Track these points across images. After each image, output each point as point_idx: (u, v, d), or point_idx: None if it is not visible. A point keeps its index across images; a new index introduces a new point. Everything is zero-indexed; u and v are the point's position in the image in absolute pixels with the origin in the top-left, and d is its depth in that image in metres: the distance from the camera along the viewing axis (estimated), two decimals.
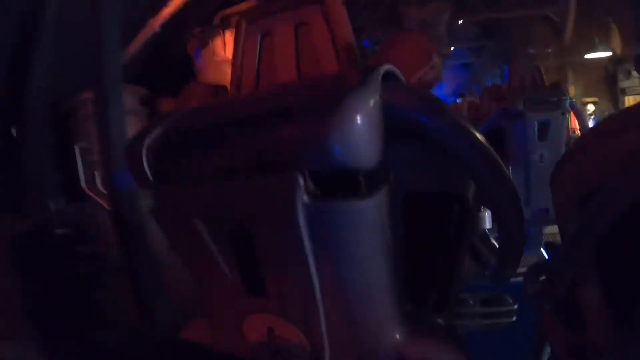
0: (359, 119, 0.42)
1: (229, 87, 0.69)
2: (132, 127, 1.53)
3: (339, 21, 0.62)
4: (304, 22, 0.63)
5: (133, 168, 0.57)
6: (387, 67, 0.49)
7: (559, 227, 0.89)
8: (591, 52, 5.56)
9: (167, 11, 2.42)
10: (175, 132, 0.57)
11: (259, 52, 0.68)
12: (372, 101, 0.44)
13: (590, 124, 4.43)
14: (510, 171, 2.23)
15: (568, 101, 2.21)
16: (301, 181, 0.45)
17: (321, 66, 0.62)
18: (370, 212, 0.49)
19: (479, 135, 0.51)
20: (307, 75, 0.64)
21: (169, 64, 2.99)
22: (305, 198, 0.45)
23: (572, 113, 2.34)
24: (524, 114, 2.10)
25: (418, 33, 0.70)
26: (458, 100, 6.48)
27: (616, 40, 5.29)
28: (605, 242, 0.60)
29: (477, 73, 7.80)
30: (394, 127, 0.49)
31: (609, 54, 5.33)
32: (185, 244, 0.59)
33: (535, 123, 2.14)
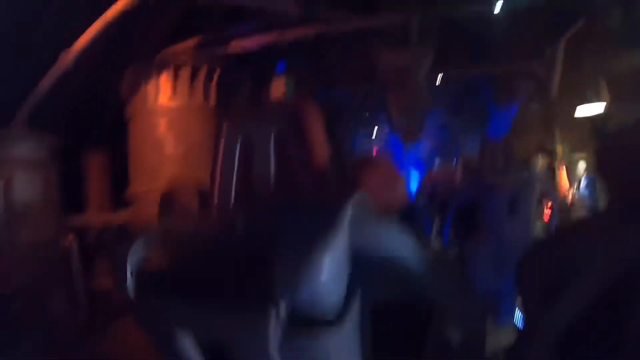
0: (325, 276, 0.46)
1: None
2: (31, 182, 1.30)
3: (315, 138, 0.67)
4: (283, 137, 0.68)
5: (118, 281, 0.60)
6: (358, 196, 0.53)
7: (523, 311, 0.93)
8: (581, 106, 5.47)
9: (82, 42, 1.94)
10: (159, 256, 0.60)
11: (238, 154, 0.71)
12: (338, 256, 0.48)
13: (583, 183, 4.50)
14: (481, 241, 2.32)
15: (539, 176, 2.32)
16: (274, 314, 0.49)
17: (295, 179, 0.66)
18: (337, 335, 0.52)
19: (442, 270, 0.55)
20: (282, 185, 0.66)
21: (96, 108, 2.51)
22: (277, 326, 0.49)
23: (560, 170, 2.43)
24: (495, 188, 2.19)
25: (387, 160, 0.75)
26: (434, 167, 6.66)
27: (605, 95, 5.33)
28: (567, 333, 0.64)
29: (455, 135, 8.07)
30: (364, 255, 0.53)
31: (600, 108, 5.23)
32: (165, 347, 0.61)
33: (507, 197, 2.22)
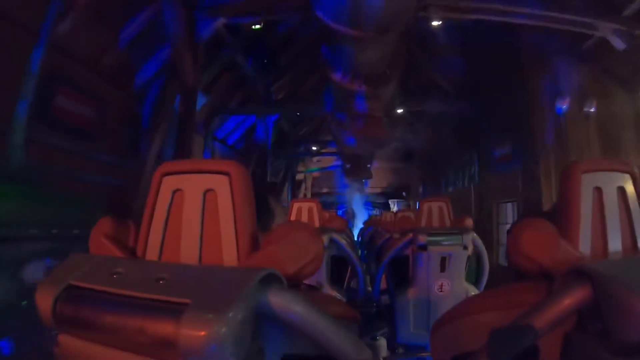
0: (231, 333, 0.49)
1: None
2: None
3: (241, 193, 0.69)
4: (212, 188, 0.70)
5: (41, 314, 0.60)
6: (265, 272, 0.56)
7: None
8: None
9: None
10: (79, 289, 0.60)
11: (170, 204, 0.72)
12: (246, 313, 0.51)
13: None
14: (411, 296, 2.36)
15: (470, 237, 2.42)
16: None
17: (221, 228, 0.68)
18: None
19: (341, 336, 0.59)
20: (208, 235, 0.69)
21: None
22: None
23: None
24: (427, 247, 2.26)
25: (306, 226, 0.78)
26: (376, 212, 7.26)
27: None
28: None
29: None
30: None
31: None
32: None
33: (438, 256, 2.31)
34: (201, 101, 6.61)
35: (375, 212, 14.21)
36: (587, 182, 0.75)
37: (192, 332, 0.48)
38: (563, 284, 0.63)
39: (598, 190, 0.76)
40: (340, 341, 0.60)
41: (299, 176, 15.66)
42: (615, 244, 0.75)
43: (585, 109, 5.03)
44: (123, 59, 4.76)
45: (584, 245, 0.74)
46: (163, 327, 0.51)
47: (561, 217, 0.77)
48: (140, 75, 5.27)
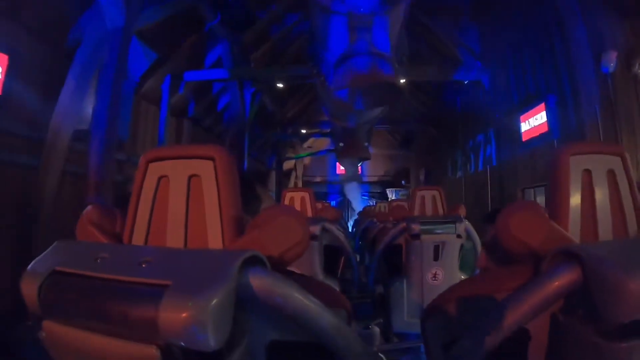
0: (212, 314, 0.52)
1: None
2: None
3: (226, 177, 0.75)
4: (197, 174, 0.75)
5: (26, 301, 0.63)
6: (248, 254, 0.60)
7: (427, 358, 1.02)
8: None
9: None
10: (63, 275, 0.63)
11: (155, 190, 0.77)
12: (226, 295, 0.54)
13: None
14: (405, 285, 2.49)
15: (463, 225, 2.54)
16: (157, 352, 0.54)
17: (206, 213, 0.74)
18: None
19: (326, 317, 0.62)
20: (193, 220, 0.75)
21: None
22: None
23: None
24: (421, 236, 2.38)
25: (291, 209, 0.82)
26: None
27: None
28: None
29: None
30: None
31: None
32: None
33: (431, 245, 2.42)
34: (151, 58, 5.96)
35: (372, 202, 14.24)
36: (576, 165, 0.80)
37: (172, 314, 0.51)
38: (551, 265, 0.66)
39: (587, 173, 0.80)
40: (329, 327, 0.62)
41: (289, 164, 15.57)
42: (605, 226, 0.79)
43: (636, 69, 4.44)
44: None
45: (574, 228, 0.78)
46: (144, 310, 0.54)
47: (551, 200, 0.82)
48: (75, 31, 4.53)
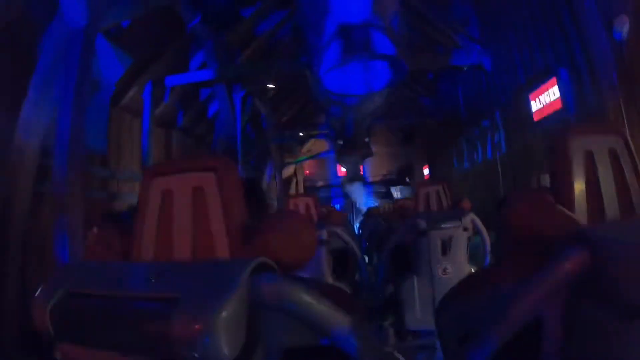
0: (224, 323, 0.54)
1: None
2: None
3: (229, 187, 0.78)
4: (200, 186, 0.80)
5: (37, 325, 0.65)
6: (256, 261, 0.63)
7: (442, 352, 1.06)
8: None
9: None
10: (76, 296, 0.66)
11: (160, 205, 0.82)
12: (238, 304, 0.57)
13: None
14: (415, 282, 2.54)
15: (469, 218, 2.61)
16: None
17: (211, 224, 0.78)
18: None
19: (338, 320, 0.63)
20: (199, 231, 0.78)
21: None
22: None
23: None
24: (427, 232, 2.44)
25: (297, 214, 0.87)
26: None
27: None
28: None
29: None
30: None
31: None
32: None
33: (438, 240, 2.49)
34: (127, 63, 5.62)
35: (377, 203, 14.24)
36: (577, 146, 0.82)
37: (183, 327, 0.53)
38: (561, 250, 0.66)
39: (589, 154, 0.82)
40: (343, 329, 0.62)
41: (289, 170, 15.59)
42: (611, 206, 0.81)
43: None
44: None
45: (580, 210, 0.80)
46: (155, 325, 0.56)
47: (554, 184, 0.84)
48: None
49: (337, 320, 0.63)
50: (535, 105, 6.04)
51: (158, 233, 0.80)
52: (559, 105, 5.49)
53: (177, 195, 0.81)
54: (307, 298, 0.61)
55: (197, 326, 0.53)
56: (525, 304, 0.65)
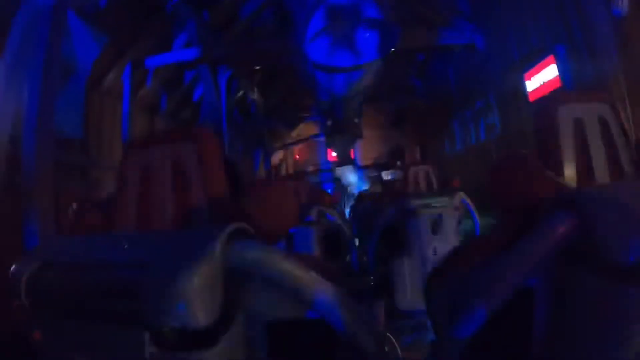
0: (197, 289, 0.54)
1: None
2: None
3: (210, 157, 0.79)
4: (181, 156, 0.80)
5: (15, 291, 0.66)
6: (232, 227, 0.62)
7: (433, 328, 1.07)
8: None
9: None
10: (51, 266, 0.67)
11: (141, 178, 0.83)
12: (212, 269, 0.56)
13: None
14: (406, 263, 2.58)
15: (459, 197, 2.64)
16: (146, 336, 0.56)
17: (192, 194, 0.78)
18: (217, 356, 0.59)
19: (316, 286, 0.62)
20: (180, 202, 0.79)
21: None
22: (152, 350, 0.56)
23: None
24: (417, 212, 2.47)
25: (278, 184, 0.87)
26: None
27: None
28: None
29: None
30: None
31: None
32: None
33: (428, 219, 2.51)
34: (102, 43, 5.39)
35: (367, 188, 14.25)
36: (566, 114, 0.83)
37: (154, 292, 0.54)
38: (548, 214, 0.66)
39: (579, 122, 0.84)
40: (331, 299, 0.61)
41: (278, 155, 15.57)
42: (601, 172, 0.82)
43: None
44: None
45: (570, 176, 0.81)
46: (127, 291, 0.56)
47: (543, 151, 0.85)
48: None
49: (322, 289, 0.61)
50: (530, 85, 5.96)
51: (139, 205, 0.81)
52: (557, 84, 5.38)
53: (158, 166, 0.82)
54: (287, 265, 0.60)
55: (167, 292, 0.52)
56: (514, 273, 0.65)
